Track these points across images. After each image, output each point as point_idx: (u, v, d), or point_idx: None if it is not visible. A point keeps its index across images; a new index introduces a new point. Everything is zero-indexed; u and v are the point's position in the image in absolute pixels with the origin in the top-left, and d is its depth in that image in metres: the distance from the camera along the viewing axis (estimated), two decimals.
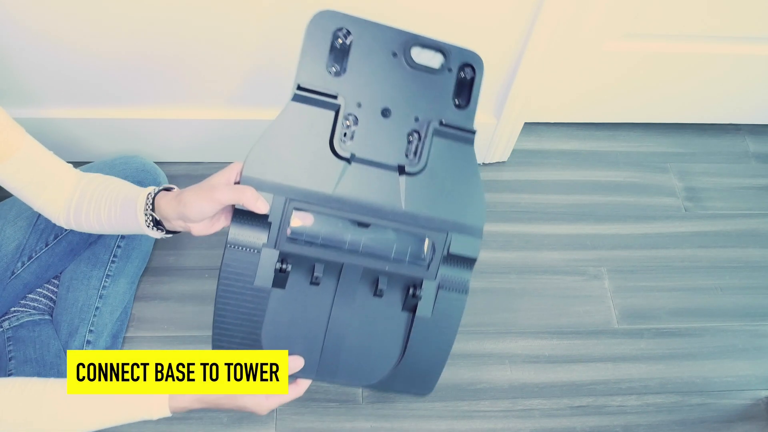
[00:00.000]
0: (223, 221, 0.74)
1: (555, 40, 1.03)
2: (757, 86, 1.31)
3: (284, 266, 0.71)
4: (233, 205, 0.70)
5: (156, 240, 1.13)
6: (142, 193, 0.75)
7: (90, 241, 1.02)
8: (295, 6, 0.94)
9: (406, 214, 0.74)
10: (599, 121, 1.41)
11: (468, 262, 0.78)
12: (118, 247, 1.04)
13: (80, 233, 1.00)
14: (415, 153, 0.75)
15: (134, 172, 1.02)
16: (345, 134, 0.73)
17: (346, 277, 0.74)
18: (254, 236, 0.71)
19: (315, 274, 0.73)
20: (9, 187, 0.76)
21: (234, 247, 0.70)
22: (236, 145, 1.24)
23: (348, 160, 0.73)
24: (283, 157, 0.72)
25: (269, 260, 0.71)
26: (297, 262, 0.73)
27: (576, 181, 1.34)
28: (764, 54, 1.22)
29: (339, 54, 0.74)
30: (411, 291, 0.76)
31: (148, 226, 0.75)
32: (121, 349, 1.07)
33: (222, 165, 1.28)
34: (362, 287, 0.76)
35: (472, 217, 0.76)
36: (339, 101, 0.73)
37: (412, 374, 0.79)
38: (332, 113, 0.73)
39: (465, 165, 0.77)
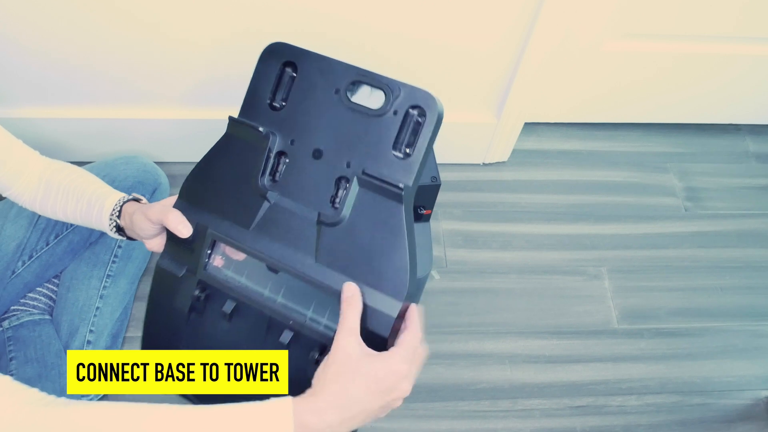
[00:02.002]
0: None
1: (555, 41, 1.03)
2: (756, 86, 1.31)
3: (200, 295, 0.71)
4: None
5: None
6: (110, 198, 0.78)
7: (90, 241, 1.02)
8: (296, 7, 0.95)
9: (317, 268, 0.66)
10: (599, 121, 1.41)
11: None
12: (119, 247, 1.04)
13: (81, 233, 1.00)
14: (333, 202, 0.67)
15: (135, 172, 1.02)
16: (272, 172, 0.69)
17: (256, 320, 0.70)
18: (179, 260, 0.71)
19: (223, 309, 0.70)
20: None
21: (161, 269, 0.71)
22: None
23: (268, 200, 0.69)
24: (213, 187, 0.71)
25: (189, 287, 0.71)
26: (215, 294, 0.71)
27: (576, 181, 1.34)
28: (764, 54, 1.22)
29: (284, 88, 0.71)
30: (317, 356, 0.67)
31: (111, 230, 0.78)
32: (121, 349, 1.07)
33: None
34: (271, 336, 0.70)
35: (387, 282, 0.64)
36: (270, 137, 0.69)
37: None
38: (264, 149, 0.69)
39: (390, 223, 0.65)
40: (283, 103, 0.71)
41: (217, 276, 0.70)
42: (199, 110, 1.15)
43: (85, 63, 1.03)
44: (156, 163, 1.10)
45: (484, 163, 1.34)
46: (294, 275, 0.67)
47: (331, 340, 0.61)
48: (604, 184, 1.34)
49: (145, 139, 1.20)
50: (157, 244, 0.74)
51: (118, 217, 0.77)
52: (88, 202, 0.78)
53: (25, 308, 0.98)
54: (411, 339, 0.59)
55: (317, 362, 0.63)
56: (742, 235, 1.30)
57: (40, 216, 0.95)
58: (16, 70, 1.04)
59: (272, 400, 0.55)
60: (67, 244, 0.98)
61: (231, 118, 0.71)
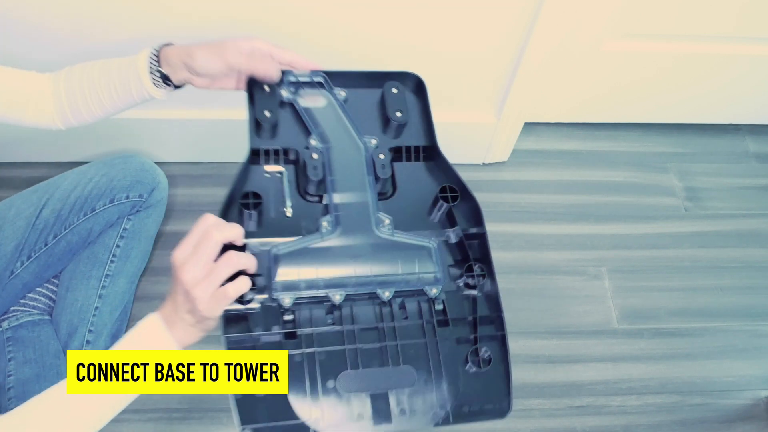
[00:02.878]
0: (225, 83, 0.77)
1: (555, 41, 1.02)
2: (756, 86, 1.31)
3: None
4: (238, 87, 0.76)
5: (156, 240, 1.13)
6: (142, 55, 0.77)
7: (89, 241, 1.02)
8: (293, 7, 0.95)
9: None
10: (599, 121, 1.41)
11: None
12: (117, 246, 1.03)
13: (79, 233, 0.99)
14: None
15: (134, 172, 1.02)
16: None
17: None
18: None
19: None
20: None
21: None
22: (236, 145, 1.23)
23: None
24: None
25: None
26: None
27: (576, 181, 1.34)
28: (764, 54, 1.22)
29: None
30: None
31: (156, 84, 0.77)
32: None
33: (222, 165, 1.29)
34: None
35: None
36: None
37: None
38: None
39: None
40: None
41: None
42: (198, 110, 1.15)
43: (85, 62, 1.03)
44: (156, 163, 1.10)
45: (484, 163, 1.33)
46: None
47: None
48: (604, 184, 1.34)
49: (143, 139, 1.20)
50: (207, 83, 0.77)
51: (158, 63, 0.76)
52: (118, 77, 0.77)
53: (24, 309, 0.98)
54: (192, 231, 0.62)
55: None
56: (742, 235, 1.30)
57: (38, 216, 0.95)
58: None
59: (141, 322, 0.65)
60: (65, 244, 0.98)
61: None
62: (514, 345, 1.14)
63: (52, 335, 0.95)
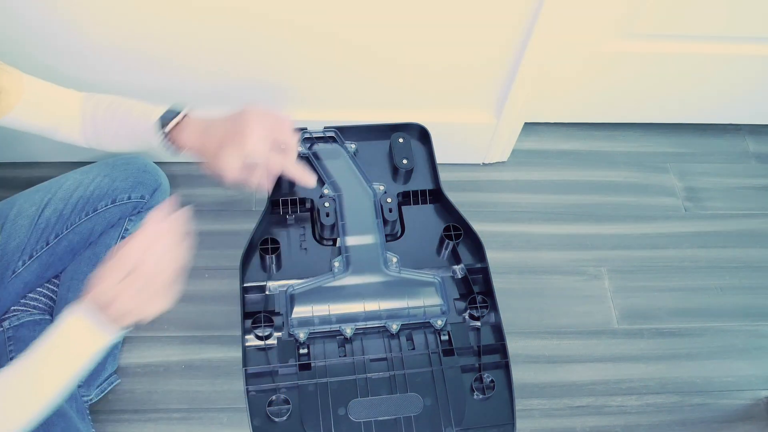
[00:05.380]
0: (247, 176, 0.73)
1: (555, 41, 1.03)
2: (757, 86, 1.31)
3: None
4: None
5: None
6: (153, 124, 0.76)
7: (90, 241, 1.02)
8: (289, 7, 0.95)
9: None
10: (599, 121, 1.41)
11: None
12: None
13: (80, 233, 1.00)
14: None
15: (135, 172, 1.02)
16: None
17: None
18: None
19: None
20: (26, 130, 0.78)
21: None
22: None
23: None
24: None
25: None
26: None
27: (576, 181, 1.34)
28: (764, 54, 1.22)
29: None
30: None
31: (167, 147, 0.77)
32: (121, 349, 1.07)
33: None
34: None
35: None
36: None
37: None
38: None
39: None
40: None
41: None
42: (198, 110, 1.15)
43: (84, 63, 1.03)
44: (156, 163, 1.10)
45: (484, 163, 1.34)
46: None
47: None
48: (604, 184, 1.34)
49: None
50: (215, 168, 0.72)
51: (168, 139, 0.75)
52: (134, 131, 0.79)
53: (25, 308, 0.98)
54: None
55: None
56: (742, 235, 1.31)
57: (40, 216, 0.95)
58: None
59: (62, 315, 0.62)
60: (67, 244, 0.98)
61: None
62: (514, 345, 1.14)
63: None
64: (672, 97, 1.33)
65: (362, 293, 0.77)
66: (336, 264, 0.79)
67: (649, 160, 1.38)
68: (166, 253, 0.62)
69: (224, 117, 0.73)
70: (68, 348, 0.63)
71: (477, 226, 0.84)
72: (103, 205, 0.98)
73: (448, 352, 0.76)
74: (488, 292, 0.80)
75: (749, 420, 1.11)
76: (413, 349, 0.76)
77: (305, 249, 0.82)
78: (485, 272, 0.81)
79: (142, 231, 0.62)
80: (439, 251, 0.84)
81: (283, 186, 0.86)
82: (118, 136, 0.80)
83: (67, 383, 0.64)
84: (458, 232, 0.83)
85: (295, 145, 0.75)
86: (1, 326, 0.97)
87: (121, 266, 0.61)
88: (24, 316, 0.97)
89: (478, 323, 0.79)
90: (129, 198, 1.00)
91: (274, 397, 0.72)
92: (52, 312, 1.00)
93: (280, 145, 0.73)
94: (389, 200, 0.85)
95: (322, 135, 0.89)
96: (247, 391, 0.73)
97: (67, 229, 0.99)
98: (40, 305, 1.00)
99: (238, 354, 0.76)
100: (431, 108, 1.16)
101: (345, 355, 0.75)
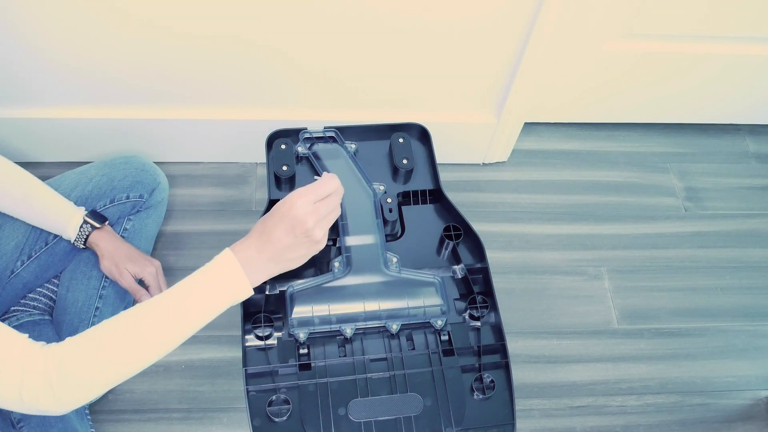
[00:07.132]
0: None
1: (555, 41, 1.03)
2: (757, 86, 1.31)
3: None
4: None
5: (156, 240, 1.13)
6: (71, 228, 0.91)
7: None
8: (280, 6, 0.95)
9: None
10: (599, 121, 1.41)
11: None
12: None
13: None
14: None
15: (133, 172, 1.02)
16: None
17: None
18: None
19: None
20: None
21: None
22: (236, 145, 1.24)
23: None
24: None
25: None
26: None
27: (576, 181, 1.34)
28: (764, 54, 1.22)
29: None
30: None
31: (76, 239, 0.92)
32: None
33: (222, 165, 1.29)
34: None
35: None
36: None
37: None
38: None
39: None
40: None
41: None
42: (198, 110, 1.15)
43: (84, 63, 1.03)
44: (156, 163, 1.10)
45: (484, 163, 1.33)
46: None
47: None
48: (604, 184, 1.34)
49: (144, 139, 1.20)
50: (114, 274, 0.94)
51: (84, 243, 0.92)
52: (45, 217, 0.90)
53: (25, 309, 0.98)
54: (318, 183, 0.66)
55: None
56: (742, 235, 1.30)
57: None
58: (15, 70, 1.04)
59: (217, 257, 0.68)
60: (66, 244, 0.98)
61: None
62: (514, 345, 1.14)
63: (53, 335, 0.95)
64: (672, 97, 1.33)
65: (362, 293, 0.77)
66: (336, 264, 0.79)
67: (649, 160, 1.38)
68: (337, 206, 0.67)
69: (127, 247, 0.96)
70: (215, 285, 0.67)
71: (477, 226, 0.84)
72: (102, 204, 0.98)
73: (448, 352, 0.76)
74: (488, 292, 0.80)
75: (749, 420, 1.11)
76: (413, 349, 0.76)
77: None
78: (485, 272, 0.81)
79: (331, 177, 0.67)
80: (439, 251, 0.84)
81: (283, 186, 0.86)
82: (19, 210, 0.90)
83: (206, 319, 0.66)
84: (458, 232, 0.83)
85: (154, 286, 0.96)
86: None
87: (320, 190, 0.65)
88: (24, 316, 0.97)
89: (478, 323, 0.79)
90: (128, 197, 1.00)
91: (274, 397, 0.72)
92: (51, 313, 1.00)
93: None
94: (389, 200, 0.85)
95: (322, 135, 0.89)
96: (247, 391, 0.72)
97: None
98: (40, 305, 0.99)
99: (238, 354, 0.76)
100: (431, 108, 1.16)
101: (345, 355, 0.75)
